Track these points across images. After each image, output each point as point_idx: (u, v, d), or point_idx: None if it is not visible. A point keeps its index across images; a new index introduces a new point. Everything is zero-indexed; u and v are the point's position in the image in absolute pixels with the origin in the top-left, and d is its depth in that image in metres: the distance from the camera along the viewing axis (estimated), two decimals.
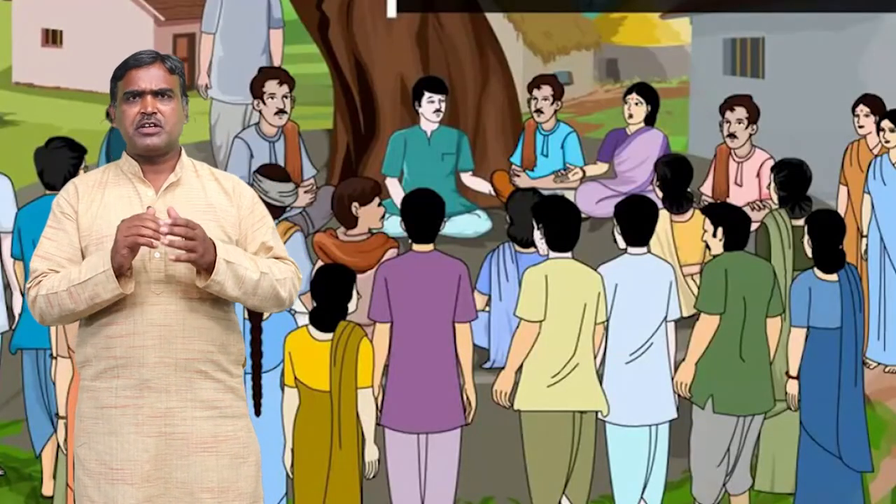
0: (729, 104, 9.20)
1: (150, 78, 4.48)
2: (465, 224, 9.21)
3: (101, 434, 4.44)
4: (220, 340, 4.48)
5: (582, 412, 7.00)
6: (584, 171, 9.51)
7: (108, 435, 4.43)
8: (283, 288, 4.51)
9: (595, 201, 9.35)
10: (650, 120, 9.45)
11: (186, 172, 4.55)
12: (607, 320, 7.06)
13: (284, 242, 6.62)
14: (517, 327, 7.02)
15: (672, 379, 7.19)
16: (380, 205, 7.96)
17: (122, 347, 4.40)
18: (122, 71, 4.53)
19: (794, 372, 7.31)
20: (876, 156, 9.43)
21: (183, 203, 4.48)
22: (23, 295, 7.87)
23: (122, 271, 4.31)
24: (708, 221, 7.36)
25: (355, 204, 7.90)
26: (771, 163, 8.67)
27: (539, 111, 9.57)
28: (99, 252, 4.37)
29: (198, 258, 4.30)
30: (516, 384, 7.01)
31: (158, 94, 4.47)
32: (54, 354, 6.88)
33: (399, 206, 7.51)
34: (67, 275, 4.39)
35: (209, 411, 4.46)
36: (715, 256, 7.32)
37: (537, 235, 7.21)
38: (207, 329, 4.45)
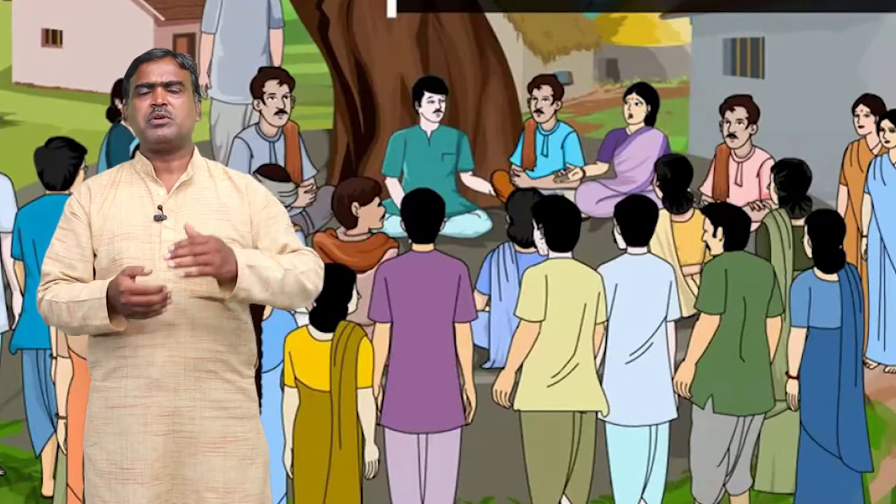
0: (729, 104, 9.20)
1: (161, 71, 4.50)
2: (465, 224, 9.21)
3: (110, 434, 4.45)
4: (230, 340, 4.49)
5: (582, 412, 7.00)
6: (584, 171, 9.51)
7: (118, 435, 4.44)
8: (308, 280, 4.50)
9: (595, 201, 9.35)
10: (650, 120, 9.45)
11: (199, 172, 4.56)
12: (607, 320, 7.06)
13: None
14: (517, 327, 7.02)
15: (672, 379, 7.19)
16: (380, 205, 7.96)
17: (131, 347, 4.42)
18: (134, 66, 4.56)
19: (794, 372, 7.32)
20: (876, 156, 9.43)
21: (194, 202, 4.49)
22: (23, 295, 7.87)
23: (117, 308, 4.33)
24: (708, 221, 7.36)
25: (355, 204, 7.90)
26: (771, 163, 8.67)
27: (539, 111, 9.57)
28: (106, 279, 4.38)
29: (215, 271, 4.28)
30: (516, 384, 7.01)
31: (169, 86, 4.49)
32: (54, 354, 6.88)
33: (399, 206, 7.51)
34: (72, 288, 4.42)
35: (219, 411, 4.47)
36: (715, 256, 7.32)
37: (537, 235, 7.21)
38: (217, 329, 4.45)
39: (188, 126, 4.54)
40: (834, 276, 7.30)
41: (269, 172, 8.00)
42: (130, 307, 4.27)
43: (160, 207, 4.47)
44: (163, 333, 4.40)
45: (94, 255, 4.49)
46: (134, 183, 4.53)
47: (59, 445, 6.98)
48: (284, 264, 4.45)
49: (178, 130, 4.50)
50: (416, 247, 7.15)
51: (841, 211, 9.54)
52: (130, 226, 4.46)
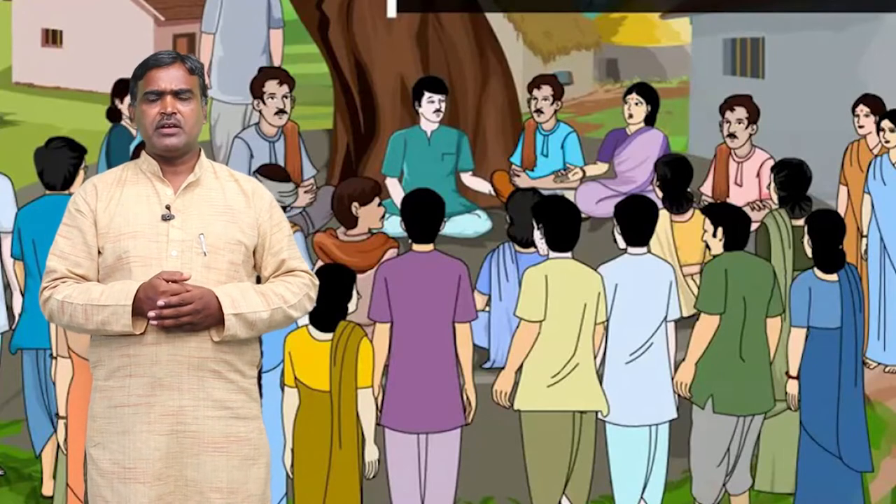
0: (729, 104, 9.20)
1: (171, 78, 4.50)
2: (465, 224, 9.21)
3: (113, 433, 4.46)
4: (235, 341, 4.50)
5: (582, 412, 7.00)
6: (584, 171, 9.51)
7: (121, 434, 4.44)
8: (296, 310, 4.58)
9: (595, 201, 9.35)
10: (650, 120, 9.45)
11: (205, 173, 4.58)
12: (607, 320, 7.06)
13: None
14: (517, 327, 7.02)
15: (672, 379, 7.19)
16: (380, 205, 7.96)
17: (135, 346, 4.43)
18: (143, 71, 4.54)
19: (794, 372, 7.32)
20: (876, 156, 9.43)
21: (201, 203, 4.51)
22: (23, 295, 7.87)
23: (140, 311, 4.37)
24: (708, 221, 7.36)
25: (355, 204, 7.90)
26: (771, 163, 8.67)
27: (539, 111, 9.57)
28: (127, 281, 4.41)
29: (194, 329, 4.39)
30: (516, 384, 7.01)
31: (178, 94, 4.50)
32: (54, 354, 6.87)
33: (399, 206, 7.51)
34: (88, 290, 4.43)
35: (221, 411, 4.48)
36: (715, 256, 7.32)
37: (537, 235, 7.21)
38: None
39: (196, 132, 4.57)
40: (834, 276, 7.30)
41: (269, 172, 8.00)
42: (160, 310, 4.33)
43: (168, 207, 4.48)
44: (167, 332, 4.41)
45: (99, 253, 4.50)
46: (140, 182, 4.54)
47: (59, 445, 6.97)
48: (273, 300, 4.51)
49: (187, 139, 4.53)
50: (416, 247, 7.15)
51: (841, 211, 9.54)
52: (138, 224, 4.47)
